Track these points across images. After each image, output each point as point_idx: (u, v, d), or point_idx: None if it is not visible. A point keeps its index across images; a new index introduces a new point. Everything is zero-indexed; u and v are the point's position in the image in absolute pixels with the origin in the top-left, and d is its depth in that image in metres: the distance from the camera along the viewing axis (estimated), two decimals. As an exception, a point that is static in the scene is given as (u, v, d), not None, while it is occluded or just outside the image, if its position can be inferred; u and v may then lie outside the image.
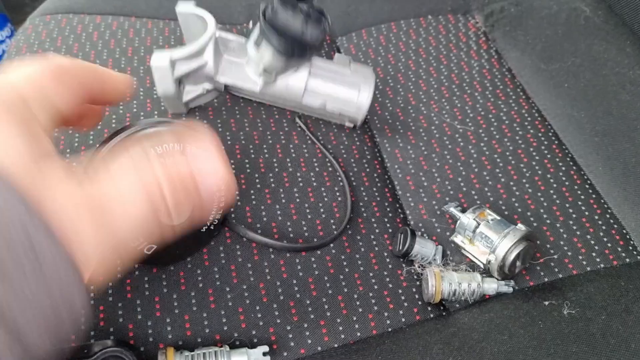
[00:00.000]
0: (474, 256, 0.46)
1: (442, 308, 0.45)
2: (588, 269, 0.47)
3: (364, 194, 0.52)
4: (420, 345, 0.39)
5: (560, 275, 0.46)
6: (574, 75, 0.61)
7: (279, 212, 0.48)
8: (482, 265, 0.46)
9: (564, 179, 0.53)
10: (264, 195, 0.49)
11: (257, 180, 0.50)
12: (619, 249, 0.48)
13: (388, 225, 0.50)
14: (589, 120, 0.57)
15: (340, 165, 0.53)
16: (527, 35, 0.66)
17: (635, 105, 0.57)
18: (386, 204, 0.52)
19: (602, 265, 0.47)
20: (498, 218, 0.47)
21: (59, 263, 0.19)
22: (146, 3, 0.65)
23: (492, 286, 0.44)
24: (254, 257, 0.45)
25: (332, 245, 0.47)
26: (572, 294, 0.42)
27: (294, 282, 0.44)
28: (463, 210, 0.48)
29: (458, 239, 0.47)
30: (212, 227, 0.41)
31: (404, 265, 0.47)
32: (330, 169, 0.53)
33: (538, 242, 0.48)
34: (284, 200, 0.49)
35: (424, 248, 0.47)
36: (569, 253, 0.48)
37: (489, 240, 0.45)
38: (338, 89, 0.53)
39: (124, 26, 0.62)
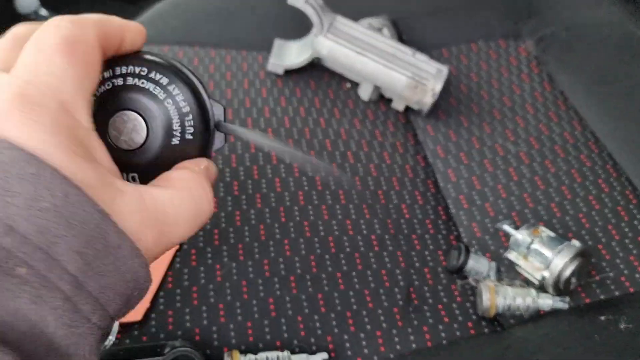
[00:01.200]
0: (528, 272, 0.47)
1: (496, 323, 0.46)
2: (645, 287, 0.47)
3: (417, 211, 0.53)
4: (474, 357, 0.40)
5: (617, 293, 0.46)
6: (627, 97, 0.61)
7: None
8: (536, 282, 0.46)
9: (618, 198, 0.54)
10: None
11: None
12: (678, 268, 0.48)
13: (442, 242, 0.51)
14: (644, 141, 0.57)
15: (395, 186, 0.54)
16: (578, 58, 0.67)
17: (691, 126, 0.57)
18: (439, 221, 0.53)
19: (660, 284, 0.47)
20: (552, 235, 0.47)
21: (132, 260, 0.21)
22: (209, 33, 0.69)
23: (547, 302, 0.44)
24: (312, 270, 0.47)
25: (387, 259, 0.48)
26: (629, 309, 0.42)
27: (351, 293, 0.46)
28: (516, 228, 0.49)
29: (512, 255, 0.48)
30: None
31: (458, 280, 0.48)
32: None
33: (593, 259, 0.48)
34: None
35: (477, 264, 0.47)
36: (625, 271, 0.48)
37: (543, 257, 0.45)
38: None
39: (189, 54, 0.66)
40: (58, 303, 0.18)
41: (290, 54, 0.64)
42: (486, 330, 0.45)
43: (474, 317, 0.46)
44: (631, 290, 0.46)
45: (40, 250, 0.18)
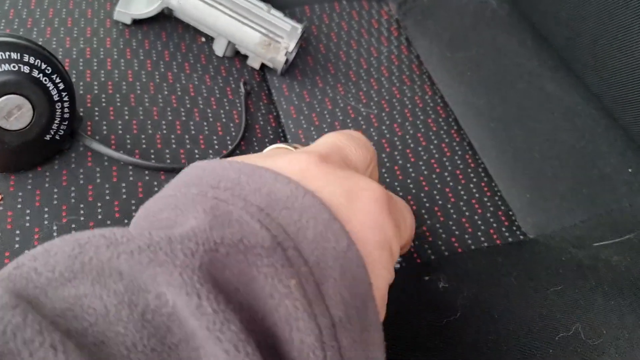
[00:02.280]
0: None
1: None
2: (472, 247, 0.49)
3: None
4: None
5: (447, 253, 0.48)
6: (476, 64, 0.63)
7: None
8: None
9: (459, 162, 0.56)
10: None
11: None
12: (503, 229, 0.50)
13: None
14: (487, 107, 0.59)
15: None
16: (436, 24, 0.68)
17: (530, 94, 0.59)
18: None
19: (485, 244, 0.49)
20: None
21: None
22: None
23: None
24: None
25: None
26: (451, 268, 0.44)
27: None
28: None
29: None
30: (58, 137, 0.45)
31: None
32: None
33: (428, 221, 0.49)
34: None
35: None
36: (457, 232, 0.50)
37: None
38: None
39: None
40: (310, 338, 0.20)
41: (140, 3, 0.60)
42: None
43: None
44: (459, 250, 0.49)
45: (313, 280, 0.21)
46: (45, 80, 0.42)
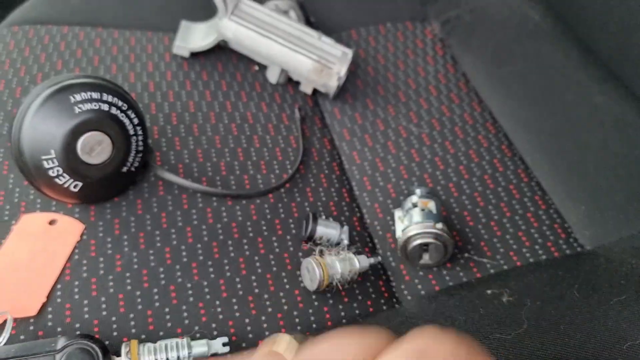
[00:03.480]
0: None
1: (394, 300, 0.48)
2: (531, 260, 0.50)
3: (322, 194, 0.54)
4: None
5: (506, 267, 0.49)
6: (522, 78, 0.64)
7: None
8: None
9: (511, 177, 0.57)
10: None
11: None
12: (561, 242, 0.51)
13: (345, 224, 0.53)
14: (536, 121, 0.60)
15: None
16: (480, 40, 0.70)
17: (579, 106, 0.60)
18: (343, 203, 0.55)
19: (544, 257, 0.50)
20: (434, 212, 0.49)
21: None
22: (113, 13, 0.67)
23: (364, 263, 0.47)
24: (214, 256, 0.47)
25: (290, 242, 0.49)
26: (513, 282, 0.45)
27: (253, 277, 0.46)
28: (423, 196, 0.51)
29: (397, 213, 0.51)
30: (133, 169, 0.48)
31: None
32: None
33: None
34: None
35: (328, 229, 0.49)
36: (514, 246, 0.51)
37: (409, 221, 0.48)
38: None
39: (90, 36, 0.64)
40: None
41: (196, 37, 0.63)
42: (384, 307, 0.47)
43: (373, 294, 0.48)
44: (518, 264, 0.50)
45: None
46: (122, 116, 0.45)
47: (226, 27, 0.60)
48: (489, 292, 0.45)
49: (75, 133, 0.43)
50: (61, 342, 0.38)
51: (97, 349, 0.38)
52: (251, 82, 0.63)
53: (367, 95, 0.64)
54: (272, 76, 0.63)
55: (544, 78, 0.63)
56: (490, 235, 0.52)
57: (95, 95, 0.44)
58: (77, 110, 0.43)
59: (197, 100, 0.59)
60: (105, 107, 0.44)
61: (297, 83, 0.64)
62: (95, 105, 0.43)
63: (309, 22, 0.68)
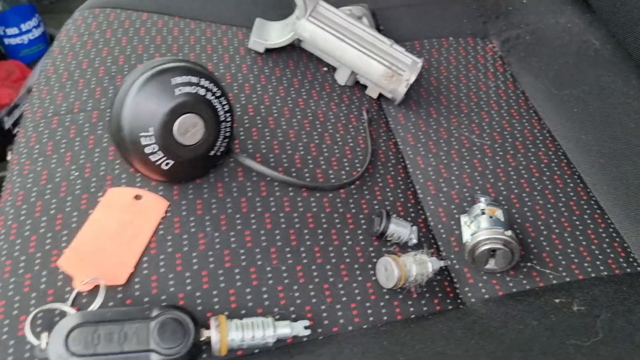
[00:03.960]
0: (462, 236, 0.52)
1: (459, 301, 0.50)
2: (592, 275, 0.51)
3: (389, 194, 0.56)
4: (444, 329, 0.43)
5: (568, 279, 0.51)
6: (583, 102, 0.66)
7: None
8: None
9: (571, 194, 0.58)
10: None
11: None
12: (621, 260, 0.53)
13: (413, 226, 0.54)
14: (596, 143, 0.62)
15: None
16: (540, 62, 0.72)
17: (639, 132, 0.62)
18: (409, 205, 0.56)
19: (605, 273, 0.51)
20: (502, 220, 0.51)
21: None
22: (189, 5, 0.69)
23: (436, 264, 0.48)
24: (292, 243, 0.49)
25: (361, 236, 0.51)
26: (580, 294, 0.47)
27: (328, 267, 0.48)
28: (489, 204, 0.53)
29: (464, 219, 0.52)
30: (218, 154, 0.50)
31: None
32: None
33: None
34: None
35: (399, 228, 0.51)
36: (576, 260, 0.52)
37: (477, 227, 0.50)
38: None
39: (168, 25, 0.66)
40: None
41: (272, 34, 0.65)
42: (450, 307, 0.49)
43: (439, 294, 0.49)
44: (580, 277, 0.51)
45: None
46: (215, 102, 0.47)
47: (303, 27, 0.62)
48: (557, 300, 0.46)
49: (174, 113, 0.45)
50: (155, 311, 0.40)
51: (188, 320, 0.40)
52: (320, 82, 0.65)
53: (430, 104, 0.66)
54: (341, 78, 0.65)
55: (605, 103, 0.65)
56: (552, 248, 0.53)
57: (194, 79, 0.45)
58: (177, 92, 0.45)
59: (271, 94, 0.61)
60: (202, 91, 0.46)
61: (364, 87, 0.66)
62: (193, 89, 0.45)
63: (378, 30, 0.70)
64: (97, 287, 0.43)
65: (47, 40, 1.24)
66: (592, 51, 0.72)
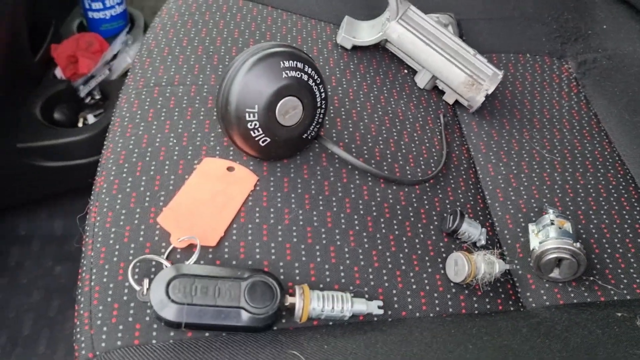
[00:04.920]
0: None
1: (520, 304, 0.52)
2: (654, 296, 0.53)
3: (460, 195, 0.58)
4: (509, 326, 0.46)
5: (629, 297, 0.52)
6: (655, 130, 0.67)
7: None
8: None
9: (637, 217, 0.59)
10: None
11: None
12: (682, 286, 0.54)
13: (483, 229, 0.56)
14: (665, 171, 0.63)
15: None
16: (615, 87, 0.73)
17: None
18: (478, 208, 0.59)
19: (666, 296, 0.53)
20: (570, 232, 0.53)
21: None
22: (283, -3, 0.73)
23: (502, 266, 0.50)
24: (369, 229, 0.52)
25: (432, 232, 0.53)
26: (642, 310, 0.48)
27: (401, 255, 0.51)
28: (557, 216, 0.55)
29: (532, 227, 0.54)
30: (309, 137, 0.53)
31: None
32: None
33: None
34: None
35: (471, 227, 0.53)
36: (638, 280, 0.54)
37: (545, 236, 0.52)
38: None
39: (262, 13, 0.70)
40: None
41: (361, 32, 0.68)
42: (511, 308, 0.51)
43: (502, 294, 0.51)
44: (641, 296, 0.52)
45: None
46: (315, 88, 0.50)
47: (393, 29, 0.65)
48: (619, 314, 0.48)
49: (278, 95, 0.48)
50: (246, 273, 0.43)
51: (276, 285, 0.43)
52: (401, 83, 0.68)
53: (503, 116, 0.68)
54: (422, 81, 0.67)
55: (677, 133, 0.66)
56: (615, 266, 0.55)
57: (299, 65, 0.49)
58: (284, 74, 0.48)
59: (355, 89, 0.64)
60: (305, 77, 0.49)
61: (441, 92, 0.68)
62: (298, 74, 0.49)
63: (461, 39, 0.72)
64: (190, 246, 0.47)
65: (126, 17, 1.29)
66: (668, 82, 0.73)
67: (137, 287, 0.43)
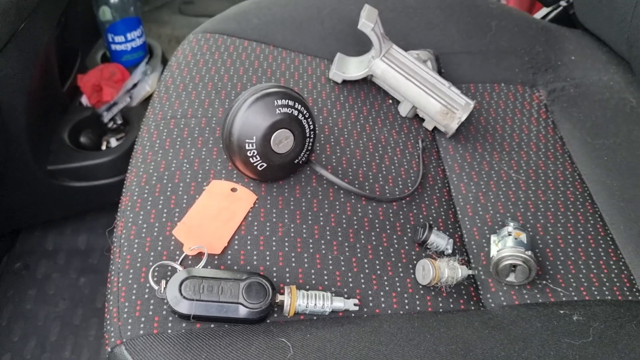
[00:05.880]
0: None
1: (481, 304, 0.60)
2: (598, 297, 0.61)
3: (433, 211, 0.67)
4: (465, 321, 0.54)
5: (576, 298, 0.61)
6: (612, 151, 0.76)
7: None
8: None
9: (590, 230, 0.68)
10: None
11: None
12: (625, 289, 0.62)
13: (450, 239, 0.65)
14: (619, 189, 0.72)
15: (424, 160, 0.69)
16: (580, 113, 0.82)
17: (659, 184, 0.71)
18: (449, 222, 0.67)
19: (609, 297, 0.61)
20: (525, 242, 0.61)
21: None
22: (283, 36, 0.83)
23: (464, 272, 0.59)
24: (350, 240, 0.61)
25: (406, 242, 0.63)
26: (582, 309, 0.57)
27: (377, 262, 0.60)
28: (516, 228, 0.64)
29: (493, 238, 0.63)
30: (300, 162, 0.62)
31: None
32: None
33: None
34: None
35: (438, 238, 0.62)
36: (585, 284, 0.62)
37: (502, 245, 0.60)
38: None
39: (265, 52, 0.80)
40: None
41: (350, 68, 0.78)
42: (472, 307, 0.60)
43: (465, 296, 0.60)
44: (587, 298, 0.61)
45: None
46: (304, 121, 0.60)
47: (377, 65, 0.75)
48: (561, 311, 0.57)
49: (273, 127, 0.58)
50: (244, 275, 0.52)
51: (268, 285, 0.52)
52: (385, 112, 0.77)
53: (477, 140, 0.77)
54: (404, 110, 0.77)
55: (632, 155, 0.75)
56: (566, 272, 0.63)
57: (291, 102, 0.58)
58: (277, 111, 0.58)
59: (344, 118, 0.74)
60: (295, 112, 0.59)
61: (422, 119, 0.77)
62: (289, 110, 0.58)
63: (440, 73, 0.82)
64: (199, 254, 0.56)
65: (146, 48, 1.41)
66: (629, 108, 0.82)
67: (155, 287, 0.52)
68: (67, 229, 1.21)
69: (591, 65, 0.89)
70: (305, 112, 0.60)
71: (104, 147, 1.19)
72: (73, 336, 1.06)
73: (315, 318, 0.54)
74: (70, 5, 1.07)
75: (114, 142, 1.16)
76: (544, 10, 1.07)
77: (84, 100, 1.19)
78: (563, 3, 1.01)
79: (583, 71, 0.88)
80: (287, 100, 0.58)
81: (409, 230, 0.64)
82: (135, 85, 1.23)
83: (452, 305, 0.59)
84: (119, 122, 1.19)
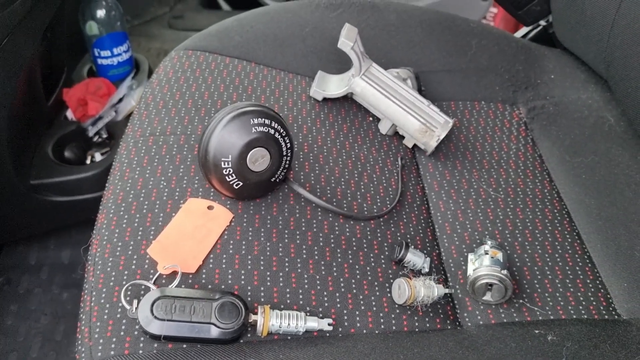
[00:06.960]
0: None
1: (457, 323, 0.60)
2: (574, 316, 0.61)
3: (411, 229, 0.68)
4: (439, 341, 0.54)
5: (552, 317, 0.61)
6: (591, 170, 0.76)
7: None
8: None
9: (568, 248, 0.68)
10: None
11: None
12: (601, 308, 0.62)
13: (427, 258, 0.65)
14: (597, 207, 0.72)
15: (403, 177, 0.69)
16: (559, 130, 0.82)
17: (636, 202, 0.72)
18: (427, 240, 0.68)
19: (585, 316, 0.61)
20: (501, 261, 0.61)
21: None
22: (264, 54, 0.83)
23: (441, 291, 0.59)
24: (327, 258, 0.61)
25: (383, 261, 0.63)
26: (557, 329, 0.57)
27: (353, 281, 0.60)
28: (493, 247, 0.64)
29: (470, 256, 0.63)
30: (277, 180, 0.62)
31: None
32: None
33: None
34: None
35: (415, 257, 0.62)
36: (562, 303, 0.62)
37: (479, 265, 0.61)
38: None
39: (246, 69, 0.80)
40: None
41: (330, 85, 0.79)
42: (449, 327, 0.60)
43: (441, 315, 0.60)
44: (563, 316, 0.61)
45: None
46: (281, 140, 0.60)
47: (357, 83, 0.75)
48: (536, 331, 0.57)
49: (249, 146, 0.58)
50: (217, 294, 0.52)
51: (241, 305, 0.52)
52: (365, 130, 0.78)
53: (456, 158, 0.78)
54: (383, 128, 0.77)
55: (610, 173, 0.75)
56: (543, 290, 0.63)
57: (267, 121, 0.59)
58: (253, 130, 0.58)
59: (323, 136, 0.74)
60: (272, 131, 0.59)
61: (402, 137, 0.78)
62: (265, 129, 0.58)
63: (420, 91, 0.82)
64: (174, 273, 0.56)
65: (132, 63, 1.41)
66: (607, 127, 0.82)
67: (127, 307, 0.52)
68: (51, 244, 1.20)
69: (570, 83, 0.89)
70: (282, 130, 0.60)
71: (88, 162, 1.18)
72: (54, 352, 1.05)
73: (289, 338, 0.54)
74: (57, 20, 1.07)
75: (98, 157, 1.16)
76: (524, 30, 1.08)
77: (69, 114, 1.19)
78: (543, 22, 1.02)
79: (562, 89, 0.89)
80: (263, 119, 0.58)
81: (386, 248, 0.64)
82: (121, 100, 1.23)
83: (428, 325, 0.59)
84: (104, 136, 1.19)
